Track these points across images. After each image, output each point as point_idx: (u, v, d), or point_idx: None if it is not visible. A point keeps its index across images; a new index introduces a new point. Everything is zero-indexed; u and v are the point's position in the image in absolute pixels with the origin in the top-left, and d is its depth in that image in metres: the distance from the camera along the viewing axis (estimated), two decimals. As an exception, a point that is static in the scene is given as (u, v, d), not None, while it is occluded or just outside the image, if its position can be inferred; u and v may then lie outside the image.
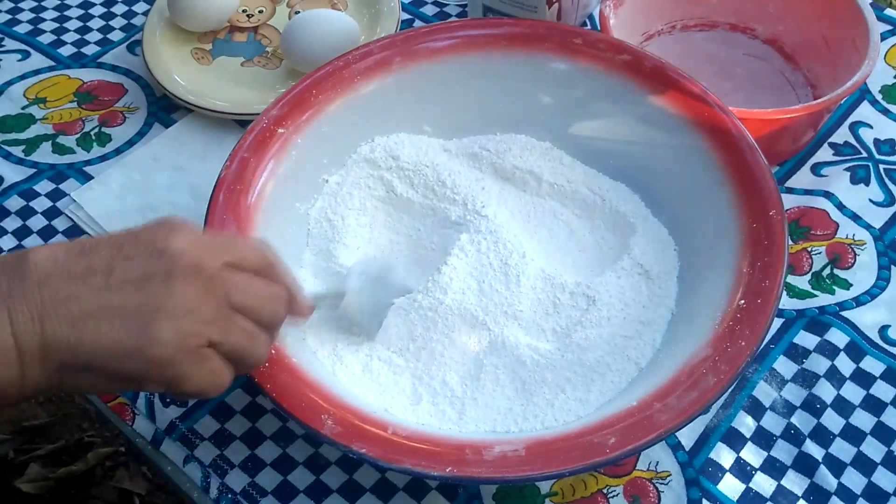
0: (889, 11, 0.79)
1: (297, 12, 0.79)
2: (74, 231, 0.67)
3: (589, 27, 0.78)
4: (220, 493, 0.54)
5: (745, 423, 0.56)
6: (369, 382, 0.54)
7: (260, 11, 0.80)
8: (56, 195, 0.70)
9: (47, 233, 0.67)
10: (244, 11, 0.80)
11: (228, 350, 0.43)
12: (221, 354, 0.43)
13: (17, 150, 0.73)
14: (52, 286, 0.40)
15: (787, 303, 0.61)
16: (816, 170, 0.68)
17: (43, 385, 0.41)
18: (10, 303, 0.39)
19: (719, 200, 0.56)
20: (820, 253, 0.64)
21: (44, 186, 0.70)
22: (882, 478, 0.54)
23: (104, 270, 0.41)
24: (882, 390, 0.57)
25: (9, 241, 0.67)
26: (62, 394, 0.45)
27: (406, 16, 0.81)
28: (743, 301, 0.51)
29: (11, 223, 0.68)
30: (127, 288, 0.41)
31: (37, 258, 0.41)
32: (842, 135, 0.70)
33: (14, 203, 0.69)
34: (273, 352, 0.50)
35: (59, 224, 0.68)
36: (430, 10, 0.82)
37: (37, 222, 0.68)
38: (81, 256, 0.41)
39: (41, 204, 0.69)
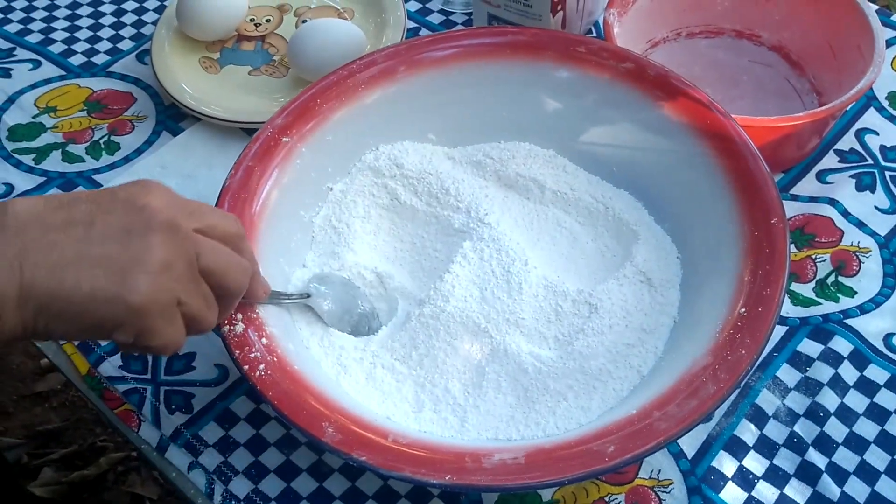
0: (895, 17, 0.79)
1: (304, 21, 0.79)
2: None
3: (594, 35, 0.79)
4: (224, 500, 0.55)
5: (748, 432, 0.56)
6: (372, 390, 0.55)
7: (267, 20, 0.81)
8: (65, 203, 0.70)
9: (56, 240, 0.68)
10: (252, 20, 0.81)
11: (188, 312, 0.45)
12: (182, 315, 0.44)
13: (28, 159, 0.73)
14: (31, 234, 0.41)
15: (790, 310, 0.61)
16: (822, 177, 0.68)
17: (19, 331, 0.42)
18: None
19: (721, 208, 0.56)
20: (825, 260, 0.63)
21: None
22: (886, 487, 0.54)
23: (84, 222, 0.42)
24: (886, 399, 0.57)
25: (18, 249, 0.68)
26: (33, 340, 0.46)
27: (412, 24, 0.81)
28: (744, 309, 0.51)
29: (21, 231, 0.69)
30: (107, 240, 0.42)
31: (16, 208, 0.42)
32: (847, 142, 0.70)
33: (24, 211, 0.70)
34: (275, 359, 0.51)
35: (68, 232, 0.69)
36: (436, 18, 0.82)
37: (46, 230, 0.69)
38: (61, 209, 0.43)
39: (51, 212, 0.70)
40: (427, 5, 0.84)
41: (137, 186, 0.44)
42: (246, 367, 0.50)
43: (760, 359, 0.56)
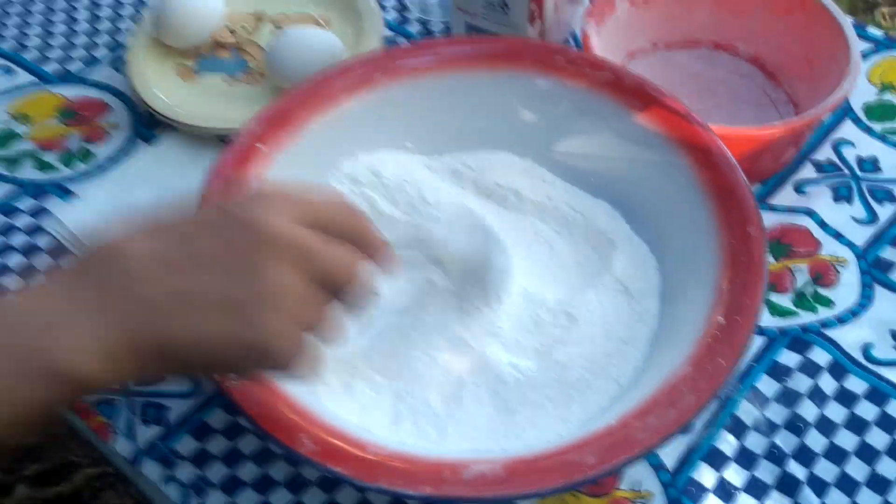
0: (871, 29, 0.79)
1: (281, 29, 0.79)
2: (57, 249, 0.67)
3: (573, 45, 0.79)
4: (198, 514, 0.54)
5: (728, 443, 0.56)
6: (350, 402, 0.54)
7: (243, 28, 0.80)
8: (38, 212, 0.69)
9: (28, 249, 0.67)
10: (228, 28, 0.80)
11: (307, 324, 0.43)
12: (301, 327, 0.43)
13: (0, 167, 0.72)
14: (150, 282, 0.40)
15: (769, 321, 0.61)
16: (799, 188, 0.68)
17: (137, 376, 0.41)
18: (109, 300, 0.39)
19: (699, 218, 0.56)
20: (802, 271, 0.63)
21: (25, 203, 0.70)
22: (866, 498, 0.53)
23: (205, 263, 0.41)
24: (865, 410, 0.57)
25: (-10, 259, 0.67)
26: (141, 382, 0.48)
27: (389, 33, 0.81)
28: (722, 318, 0.51)
29: (-8, 240, 0.68)
30: (214, 267, 0.40)
31: (133, 251, 0.40)
32: (824, 153, 0.71)
33: (-5, 220, 0.69)
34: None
35: (41, 241, 0.68)
36: (414, 27, 0.82)
37: (18, 239, 0.68)
38: (183, 244, 0.41)
39: (22, 221, 0.69)
40: (405, 14, 0.83)
41: (254, 205, 0.42)
42: (221, 378, 0.49)
43: (739, 369, 0.56)
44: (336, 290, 0.44)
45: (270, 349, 0.41)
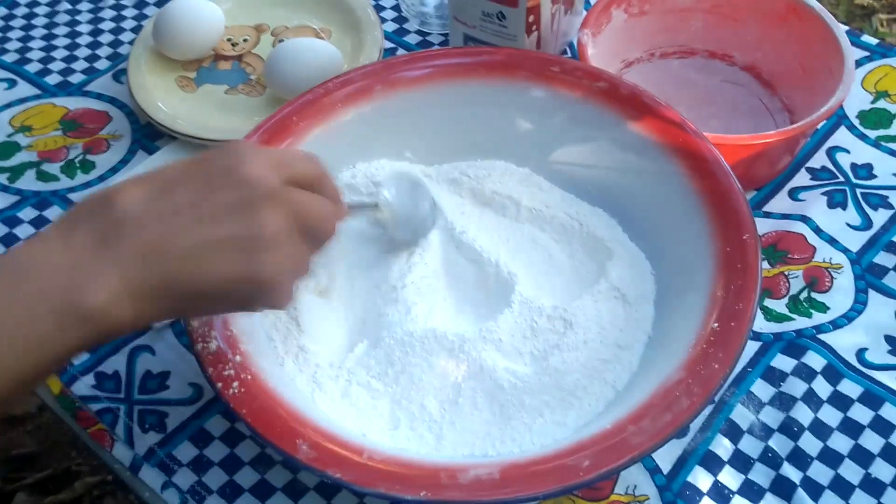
0: (866, 38, 0.80)
1: (282, 41, 0.80)
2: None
3: (569, 55, 0.79)
4: (197, 520, 0.54)
5: (723, 446, 0.56)
6: (348, 407, 0.54)
7: (244, 40, 0.81)
8: (39, 222, 0.70)
9: (30, 259, 0.68)
10: (229, 40, 0.81)
11: (297, 268, 0.47)
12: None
13: (2, 178, 0.73)
14: (150, 228, 0.42)
15: (764, 326, 0.61)
16: (794, 194, 0.69)
17: (155, 317, 0.44)
18: (116, 249, 0.42)
19: (694, 225, 0.57)
20: (797, 276, 0.64)
21: (27, 213, 0.71)
22: (860, 501, 0.54)
23: (195, 204, 0.43)
24: (859, 413, 0.57)
25: (-9, 268, 0.67)
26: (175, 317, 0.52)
27: (389, 45, 0.81)
28: (717, 324, 0.51)
29: (-6, 250, 0.68)
30: (223, 220, 0.43)
31: (125, 201, 0.43)
32: (819, 160, 0.71)
33: (-3, 230, 0.70)
34: (249, 377, 0.51)
35: (42, 251, 0.68)
36: (413, 38, 0.83)
37: (20, 249, 0.68)
38: (168, 193, 0.43)
39: (25, 231, 0.70)
40: (404, 26, 0.84)
41: (231, 153, 0.45)
42: (220, 384, 0.50)
43: (734, 374, 0.56)
44: (317, 239, 0.48)
45: (275, 286, 0.45)
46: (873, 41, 0.80)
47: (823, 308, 0.62)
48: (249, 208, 0.43)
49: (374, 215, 0.60)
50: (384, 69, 0.65)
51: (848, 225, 0.67)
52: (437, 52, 0.68)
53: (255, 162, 0.45)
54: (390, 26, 0.84)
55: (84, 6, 0.88)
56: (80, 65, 0.82)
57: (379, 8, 0.85)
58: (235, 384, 0.50)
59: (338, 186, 0.51)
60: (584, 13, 0.76)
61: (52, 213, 0.70)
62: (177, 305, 0.44)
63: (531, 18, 0.70)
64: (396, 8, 0.86)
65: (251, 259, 0.43)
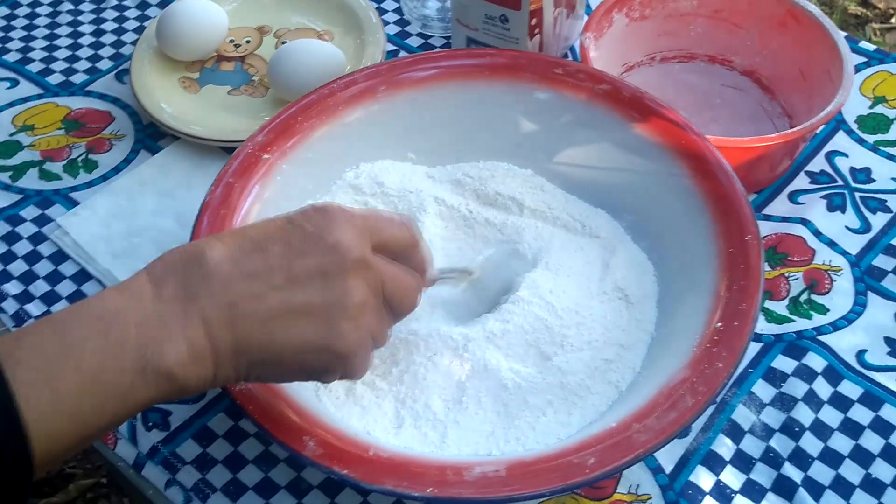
0: (863, 44, 0.81)
1: (284, 42, 0.80)
2: (60, 256, 0.68)
3: (570, 58, 0.80)
4: (201, 517, 0.54)
5: (725, 446, 0.56)
6: (352, 406, 0.55)
7: (247, 41, 0.82)
8: (42, 221, 0.70)
9: (32, 258, 0.68)
10: (231, 41, 0.81)
11: (377, 339, 0.47)
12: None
13: (4, 176, 0.73)
14: (236, 288, 0.42)
15: (765, 327, 0.62)
16: (793, 197, 0.70)
17: (232, 379, 0.44)
18: (202, 305, 0.42)
19: (697, 226, 0.57)
20: (797, 278, 0.65)
21: (30, 212, 0.71)
22: (860, 500, 0.54)
23: (283, 268, 0.43)
24: (859, 414, 0.58)
25: (-7, 266, 0.67)
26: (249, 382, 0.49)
27: (391, 47, 0.82)
28: (720, 324, 0.52)
29: (-3, 248, 0.68)
30: (307, 286, 0.43)
31: (215, 257, 0.43)
32: (818, 163, 0.72)
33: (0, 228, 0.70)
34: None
35: (45, 249, 0.68)
36: (414, 41, 0.83)
37: (22, 247, 0.68)
38: (257, 253, 0.43)
39: (27, 229, 0.70)
40: (406, 28, 0.85)
41: (321, 217, 0.45)
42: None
43: (736, 374, 0.57)
44: (399, 311, 0.48)
45: (353, 358, 0.45)
46: (870, 47, 0.81)
47: (823, 310, 0.63)
48: (336, 276, 0.44)
49: (464, 280, 0.59)
50: (389, 70, 0.65)
51: (847, 228, 0.67)
52: (441, 54, 0.69)
53: (345, 227, 0.45)
54: (392, 29, 0.84)
55: (86, 6, 0.88)
56: (83, 65, 0.82)
57: (381, 11, 0.85)
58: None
59: (427, 254, 0.51)
60: (585, 17, 0.77)
61: (55, 211, 0.70)
62: (253, 368, 0.44)
63: (534, 21, 0.71)
64: (398, 11, 0.86)
65: (331, 327, 0.44)
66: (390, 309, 0.47)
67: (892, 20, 1.81)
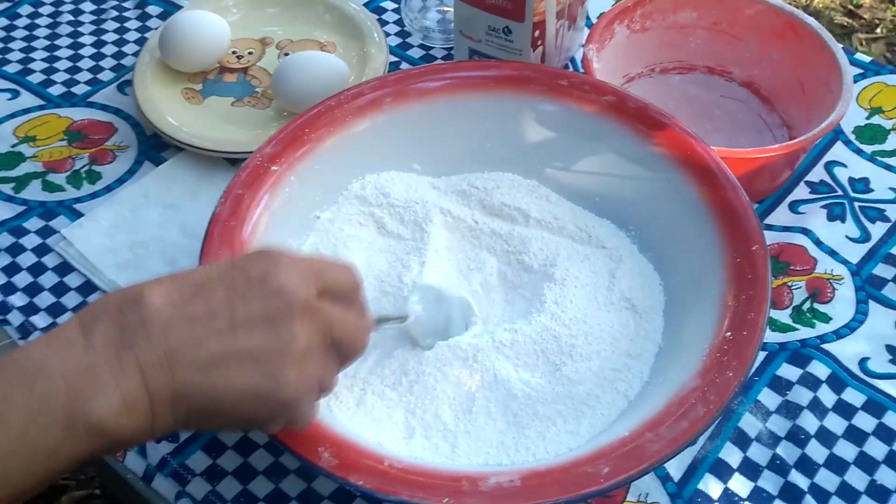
0: (859, 55, 0.82)
1: (287, 54, 0.80)
2: (64, 268, 0.68)
3: (571, 69, 0.81)
4: (213, 529, 0.54)
5: (732, 454, 0.57)
6: (363, 417, 0.55)
7: (250, 53, 0.82)
8: (46, 232, 0.70)
9: (37, 270, 0.68)
10: (234, 53, 0.81)
11: (323, 385, 0.45)
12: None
13: (7, 188, 0.73)
14: (176, 332, 0.41)
15: (769, 336, 0.63)
16: (794, 207, 0.70)
17: (171, 428, 0.42)
18: (138, 352, 0.40)
19: (703, 236, 0.58)
20: (800, 288, 0.65)
21: (33, 224, 0.71)
22: (866, 506, 0.55)
23: (225, 312, 0.42)
24: (863, 421, 0.59)
25: (-2, 278, 0.67)
26: (184, 431, 0.48)
27: (393, 58, 0.82)
28: (729, 333, 0.52)
29: (1, 260, 0.68)
30: (251, 331, 0.42)
31: (154, 301, 0.41)
32: (818, 174, 0.73)
33: (4, 240, 0.69)
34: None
35: (49, 261, 0.68)
36: (416, 52, 0.84)
37: (26, 259, 0.68)
38: (199, 297, 0.42)
39: (31, 241, 0.69)
40: (407, 40, 0.85)
41: (266, 261, 0.44)
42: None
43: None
44: (347, 356, 0.47)
45: (297, 405, 0.44)
46: (866, 59, 0.82)
47: (826, 318, 0.64)
48: (281, 321, 0.42)
49: (404, 328, 0.58)
50: (395, 82, 0.66)
51: (847, 237, 0.68)
52: (447, 66, 0.69)
53: (290, 271, 0.43)
54: (393, 40, 0.85)
55: (86, 17, 0.88)
56: (84, 76, 0.82)
57: (382, 22, 0.85)
58: (256, 393, 0.50)
59: (366, 301, 0.49)
60: (586, 29, 0.77)
61: (59, 223, 0.70)
62: (194, 416, 0.42)
63: (537, 33, 0.72)
64: (399, 22, 0.87)
65: (275, 374, 0.42)
66: (338, 353, 0.46)
67: (878, 30, 1.83)
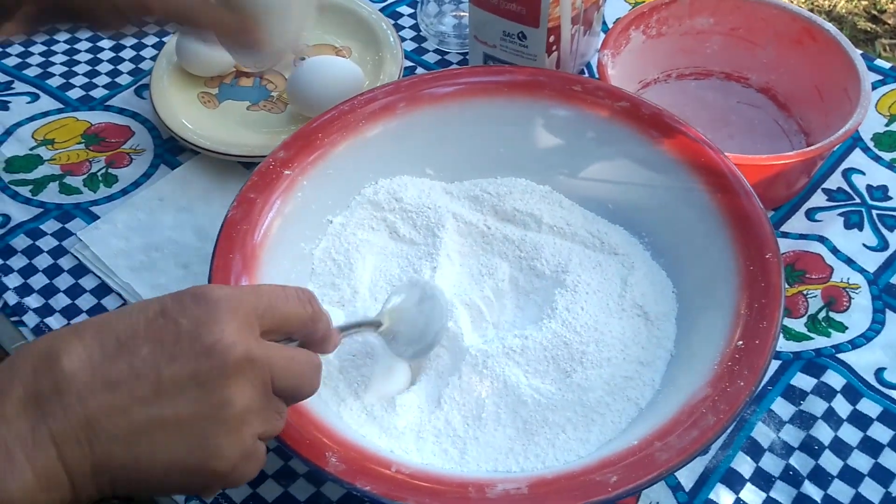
0: (879, 61, 0.81)
1: (303, 59, 0.81)
2: (79, 270, 0.68)
3: (587, 75, 0.80)
4: (221, 532, 0.54)
5: (745, 464, 0.56)
6: (372, 422, 0.55)
7: (266, 57, 0.82)
8: (62, 234, 0.71)
9: (53, 272, 0.68)
10: (250, 57, 0.82)
11: (265, 435, 0.42)
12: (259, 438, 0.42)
13: (25, 190, 0.74)
14: (94, 400, 0.37)
15: (783, 345, 0.62)
16: (811, 215, 0.70)
17: (96, 497, 0.39)
18: (51, 423, 0.37)
19: (716, 244, 0.57)
20: (815, 296, 0.65)
21: (50, 226, 0.71)
22: (880, 519, 0.54)
23: (149, 376, 0.38)
24: (879, 432, 0.58)
25: (15, 280, 0.68)
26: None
27: (408, 63, 0.82)
28: (741, 342, 0.52)
29: (18, 262, 0.69)
30: (178, 397, 0.38)
31: (72, 362, 0.38)
32: (835, 181, 0.72)
33: (20, 242, 0.70)
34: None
35: (65, 263, 0.69)
36: (431, 57, 0.84)
37: (43, 261, 0.69)
38: (122, 356, 0.38)
39: (47, 243, 0.70)
40: (422, 45, 0.85)
41: (200, 308, 0.39)
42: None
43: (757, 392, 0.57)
44: (294, 398, 0.44)
45: (233, 473, 0.40)
46: (886, 65, 0.81)
47: (842, 327, 0.63)
48: (213, 383, 0.38)
49: (370, 332, 0.55)
50: (408, 87, 0.66)
51: (865, 246, 0.68)
52: (460, 71, 0.69)
53: (226, 320, 0.39)
54: (409, 45, 0.85)
55: (105, 22, 0.89)
56: (102, 80, 0.83)
57: (398, 27, 0.86)
58: (264, 397, 0.50)
59: (327, 316, 0.46)
60: (602, 35, 0.77)
61: (75, 225, 0.71)
62: (119, 487, 0.39)
63: (552, 39, 0.71)
64: (415, 27, 0.87)
65: (206, 444, 0.38)
66: (286, 397, 0.43)
67: (903, 35, 1.82)
